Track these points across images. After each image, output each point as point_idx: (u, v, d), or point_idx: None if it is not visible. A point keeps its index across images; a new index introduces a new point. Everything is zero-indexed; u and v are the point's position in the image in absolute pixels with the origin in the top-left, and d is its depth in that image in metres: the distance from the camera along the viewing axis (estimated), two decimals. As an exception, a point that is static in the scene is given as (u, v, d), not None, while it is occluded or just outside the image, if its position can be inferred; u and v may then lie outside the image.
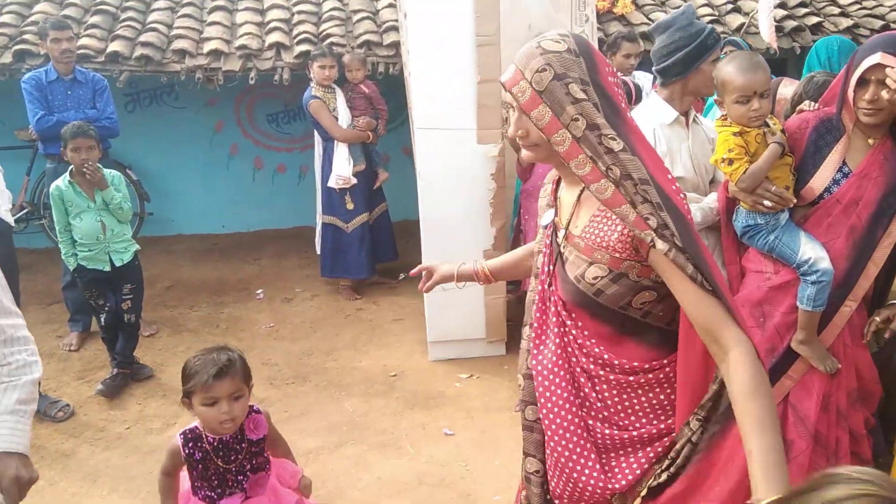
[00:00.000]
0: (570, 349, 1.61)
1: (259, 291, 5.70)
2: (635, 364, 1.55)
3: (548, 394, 1.63)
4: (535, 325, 1.68)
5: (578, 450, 1.59)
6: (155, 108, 6.97)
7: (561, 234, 1.63)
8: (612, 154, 1.44)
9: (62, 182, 3.95)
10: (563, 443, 1.60)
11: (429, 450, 3.51)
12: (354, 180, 5.26)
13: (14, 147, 6.08)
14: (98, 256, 4.03)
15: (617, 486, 1.58)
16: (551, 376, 1.62)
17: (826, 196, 2.41)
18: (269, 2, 6.48)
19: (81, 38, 5.64)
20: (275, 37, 5.87)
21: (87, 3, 6.26)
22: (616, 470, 1.59)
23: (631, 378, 1.56)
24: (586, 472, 1.59)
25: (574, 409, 1.60)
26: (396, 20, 6.01)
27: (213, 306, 5.46)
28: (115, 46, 5.59)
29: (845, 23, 6.43)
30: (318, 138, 5.43)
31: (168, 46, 5.78)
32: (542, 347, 1.66)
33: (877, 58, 2.22)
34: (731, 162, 2.36)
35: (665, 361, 1.56)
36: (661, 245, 1.40)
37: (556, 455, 1.63)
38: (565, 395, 1.60)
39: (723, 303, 1.40)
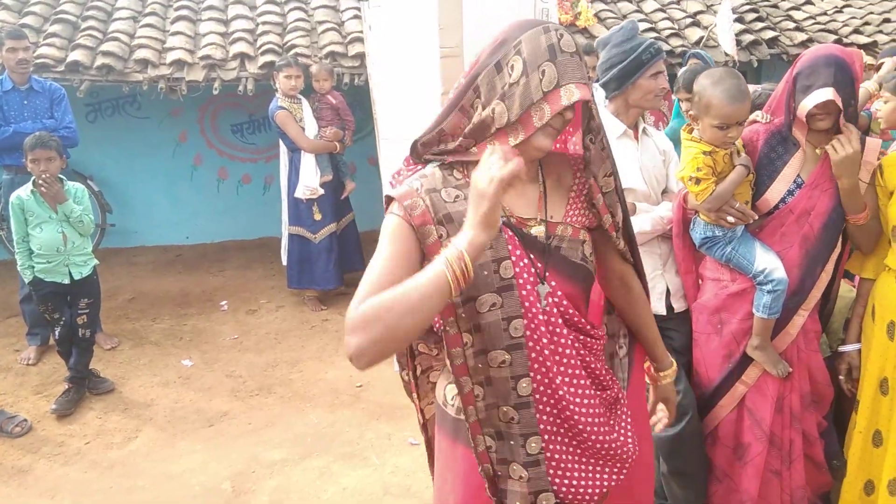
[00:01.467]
0: (583, 352, 1.59)
1: (223, 303, 5.65)
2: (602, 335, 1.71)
3: (560, 422, 1.58)
4: (530, 343, 1.52)
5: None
6: (117, 118, 6.89)
7: (537, 228, 1.56)
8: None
9: (24, 192, 3.89)
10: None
11: (394, 460, 3.51)
12: (321, 191, 5.26)
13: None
14: (57, 269, 3.96)
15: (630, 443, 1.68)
16: (583, 399, 1.58)
17: (780, 206, 2.46)
18: (234, 12, 6.44)
19: (41, 47, 5.55)
20: (239, 47, 5.85)
21: (47, 12, 6.16)
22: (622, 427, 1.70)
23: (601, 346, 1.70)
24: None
25: (601, 411, 1.62)
26: (361, 31, 6.02)
27: (176, 318, 5.39)
28: (75, 56, 5.51)
29: (800, 37, 6.61)
30: (283, 149, 5.41)
31: (130, 56, 5.71)
32: (558, 367, 1.55)
33: (828, 94, 2.25)
34: (697, 181, 2.37)
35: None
36: (615, 238, 1.70)
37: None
38: (598, 408, 1.61)
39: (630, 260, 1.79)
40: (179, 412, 4.04)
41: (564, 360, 1.54)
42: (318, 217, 5.34)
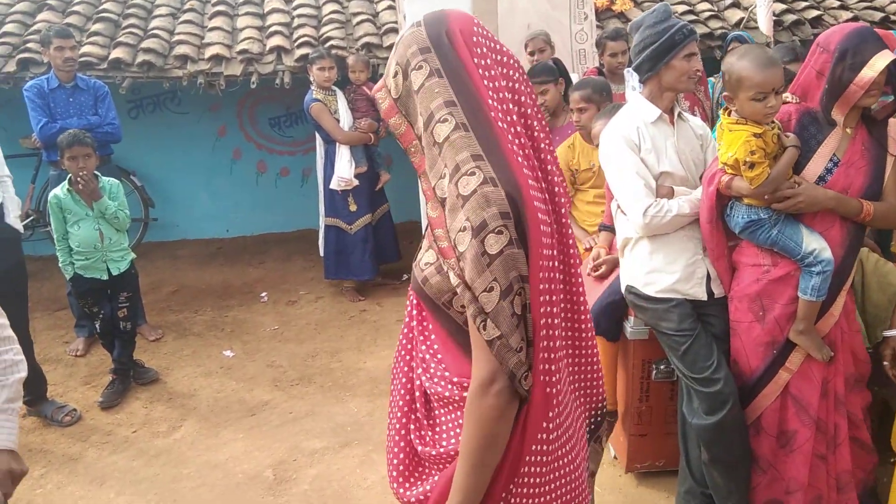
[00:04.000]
0: (414, 352, 1.51)
1: (263, 294, 5.73)
2: (454, 378, 1.40)
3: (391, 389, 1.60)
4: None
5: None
6: (158, 114, 7.01)
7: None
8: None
9: (60, 190, 3.98)
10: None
11: (433, 448, 3.52)
12: (356, 182, 5.29)
13: (19, 155, 6.09)
14: (95, 265, 4.05)
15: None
16: (392, 378, 1.59)
17: (819, 186, 2.42)
18: (270, 6, 6.51)
19: (84, 45, 5.68)
20: (275, 41, 5.90)
21: (90, 11, 6.31)
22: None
23: (447, 395, 1.43)
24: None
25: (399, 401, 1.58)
26: (396, 22, 6.04)
27: (217, 310, 5.48)
28: (117, 53, 5.63)
29: (845, 15, 6.41)
30: (319, 141, 5.45)
31: (170, 52, 5.81)
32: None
33: (889, 55, 2.24)
34: (752, 166, 2.31)
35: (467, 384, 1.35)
36: (452, 262, 1.30)
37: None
38: (399, 406, 1.58)
39: (481, 332, 1.27)
40: (222, 402, 4.12)
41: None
42: (353, 208, 5.37)
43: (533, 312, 1.28)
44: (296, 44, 5.93)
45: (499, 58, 1.39)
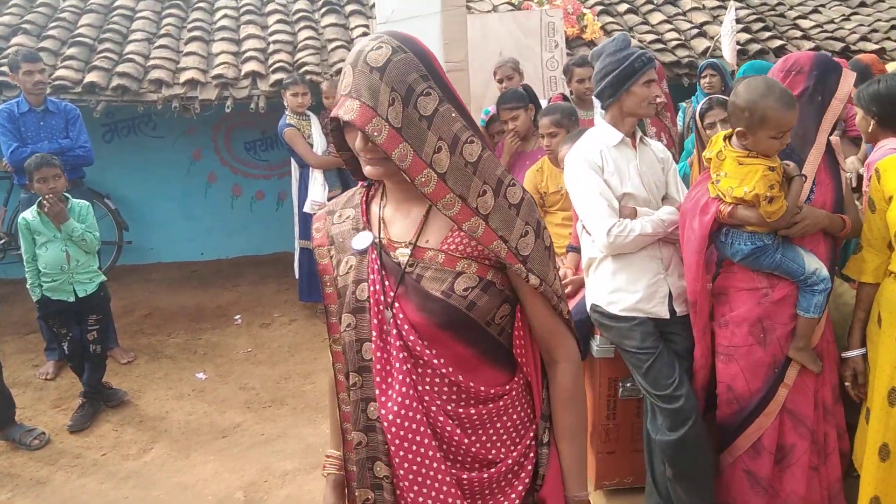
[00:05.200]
0: (420, 387, 1.41)
1: (237, 317, 5.73)
2: (491, 391, 1.44)
3: (407, 445, 1.40)
4: (377, 366, 1.42)
5: None
6: (133, 138, 7.03)
7: (402, 252, 1.44)
8: (471, 165, 1.38)
9: (30, 213, 3.99)
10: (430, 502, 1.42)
11: (404, 469, 3.54)
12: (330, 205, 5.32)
13: (-9, 178, 6.11)
14: (62, 287, 4.04)
15: None
16: (406, 424, 1.39)
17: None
18: (246, 32, 6.59)
19: (59, 69, 5.71)
20: (250, 66, 5.97)
21: (65, 35, 6.34)
22: None
23: (490, 406, 1.45)
24: None
25: (439, 456, 1.41)
26: (370, 48, 6.13)
27: (190, 333, 5.47)
28: (91, 77, 5.66)
29: (807, 45, 6.64)
30: (294, 164, 5.50)
31: (145, 76, 5.85)
32: (389, 392, 1.41)
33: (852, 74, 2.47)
34: (771, 200, 2.34)
35: (508, 387, 1.47)
36: (520, 268, 1.40)
37: None
38: (427, 444, 1.40)
39: (563, 317, 1.49)
40: (193, 424, 4.10)
41: (392, 394, 1.41)
42: (327, 231, 5.40)
43: None
44: (271, 69, 6.00)
45: None
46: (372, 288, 1.44)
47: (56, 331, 4.16)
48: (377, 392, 1.42)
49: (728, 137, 2.49)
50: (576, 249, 3.29)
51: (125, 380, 4.64)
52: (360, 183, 1.60)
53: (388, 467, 1.44)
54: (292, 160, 5.50)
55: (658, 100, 2.72)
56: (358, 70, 1.31)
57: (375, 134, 1.29)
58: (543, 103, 4.47)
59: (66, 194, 4.04)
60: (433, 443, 1.40)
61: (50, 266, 3.99)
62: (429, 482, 1.40)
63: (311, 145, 5.27)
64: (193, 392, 4.51)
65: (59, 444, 3.94)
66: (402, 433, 1.40)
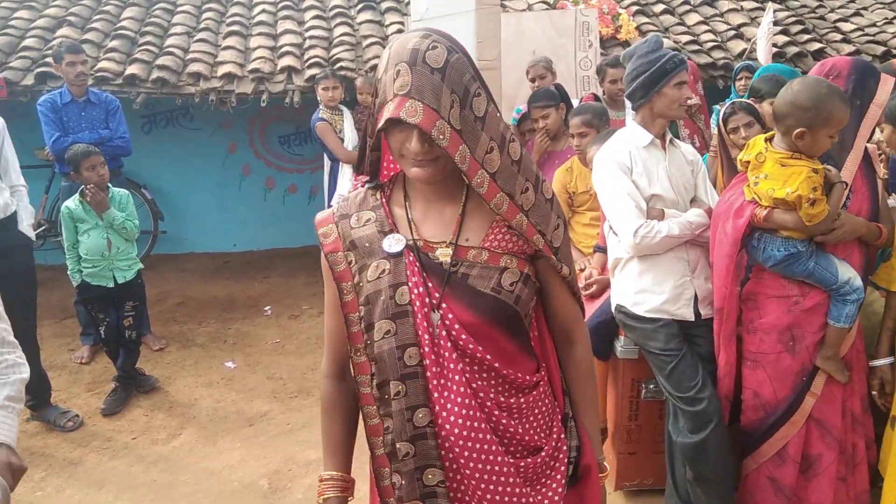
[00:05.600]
0: (475, 385, 1.41)
1: (267, 308, 5.82)
2: (530, 379, 1.47)
3: (471, 445, 1.39)
4: (433, 370, 1.39)
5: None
6: (170, 130, 7.17)
7: (443, 252, 1.44)
8: (516, 163, 1.41)
9: (72, 201, 4.10)
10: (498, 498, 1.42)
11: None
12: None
13: (34, 166, 6.22)
14: (102, 273, 4.15)
15: None
16: (470, 423, 1.39)
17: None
18: (283, 27, 6.67)
19: (101, 61, 5.85)
20: (286, 61, 6.04)
21: (108, 28, 6.48)
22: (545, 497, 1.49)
23: (531, 396, 1.48)
24: None
25: (501, 449, 1.41)
26: (405, 45, 6.17)
27: (221, 322, 5.57)
28: (132, 69, 5.78)
29: (847, 49, 6.52)
30: (326, 159, 5.56)
31: (183, 70, 5.96)
32: (446, 394, 1.39)
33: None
34: (814, 203, 2.31)
35: (541, 373, 1.53)
36: (553, 259, 1.48)
37: None
38: (490, 439, 1.40)
39: (580, 302, 1.61)
40: (221, 412, 4.19)
41: (451, 395, 1.39)
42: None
43: None
44: (306, 64, 6.07)
45: None
46: (415, 291, 1.40)
47: (94, 315, 4.27)
48: (434, 396, 1.39)
49: (769, 139, 2.46)
50: (603, 250, 3.29)
51: (157, 366, 4.75)
52: (362, 184, 1.56)
53: (442, 471, 1.42)
54: (325, 155, 5.56)
55: (690, 101, 2.73)
56: (417, 70, 1.27)
57: (441, 137, 1.27)
58: (575, 103, 4.47)
59: (108, 184, 4.15)
60: (494, 437, 1.40)
61: (91, 252, 4.10)
62: (494, 477, 1.41)
63: (343, 140, 5.32)
64: (222, 380, 4.59)
65: (91, 426, 4.05)
66: (465, 433, 1.38)
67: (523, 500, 1.43)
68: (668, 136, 2.77)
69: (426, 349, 1.39)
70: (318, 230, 1.53)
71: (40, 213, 6.23)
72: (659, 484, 3.11)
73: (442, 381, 1.39)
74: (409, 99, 1.27)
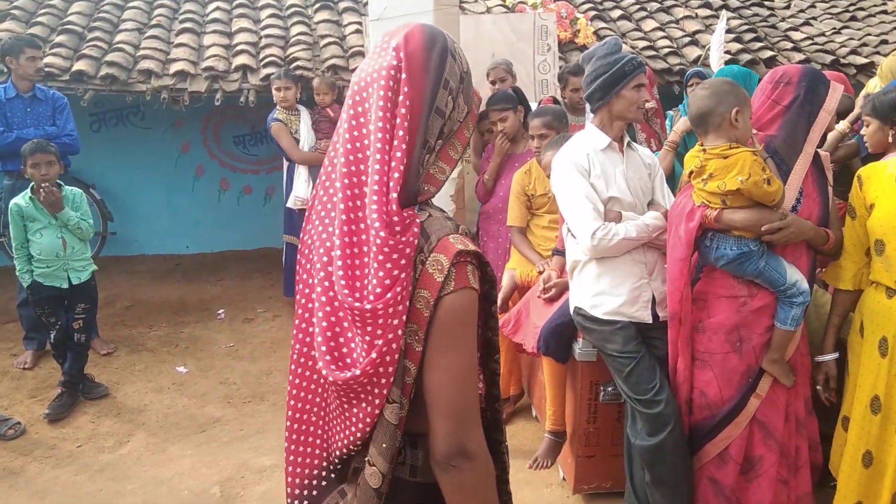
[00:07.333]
0: None
1: (220, 312, 5.69)
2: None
3: None
4: None
5: None
6: (121, 128, 6.97)
7: None
8: None
9: (22, 199, 3.95)
10: None
11: (383, 468, 3.52)
12: (314, 202, 5.31)
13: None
14: (56, 273, 4.02)
15: None
16: None
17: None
18: (238, 25, 6.54)
19: (46, 56, 5.63)
20: (241, 59, 5.93)
21: (54, 23, 6.27)
22: None
23: None
24: None
25: None
26: (363, 45, 6.11)
27: (172, 326, 5.43)
28: (80, 65, 5.60)
29: (797, 57, 6.67)
30: (285, 160, 5.47)
31: (134, 67, 5.80)
32: None
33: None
34: (769, 181, 2.36)
35: None
36: None
37: None
38: None
39: None
40: (172, 418, 4.07)
41: None
42: (311, 227, 5.39)
43: None
44: (262, 63, 5.96)
45: None
46: None
47: (45, 319, 4.12)
48: None
49: (702, 146, 2.50)
50: (561, 252, 3.28)
51: (105, 371, 4.60)
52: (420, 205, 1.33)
53: None
54: (283, 156, 5.47)
55: (647, 105, 2.73)
56: None
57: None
58: (534, 106, 4.47)
59: (59, 182, 4.00)
60: None
61: (45, 252, 3.97)
62: None
63: (298, 141, 5.24)
64: (173, 385, 4.46)
65: (34, 434, 3.89)
66: None
67: None
68: (626, 139, 2.78)
69: None
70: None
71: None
72: (618, 487, 3.12)
73: None
74: None
